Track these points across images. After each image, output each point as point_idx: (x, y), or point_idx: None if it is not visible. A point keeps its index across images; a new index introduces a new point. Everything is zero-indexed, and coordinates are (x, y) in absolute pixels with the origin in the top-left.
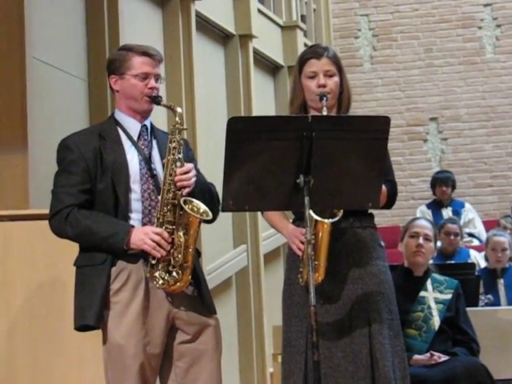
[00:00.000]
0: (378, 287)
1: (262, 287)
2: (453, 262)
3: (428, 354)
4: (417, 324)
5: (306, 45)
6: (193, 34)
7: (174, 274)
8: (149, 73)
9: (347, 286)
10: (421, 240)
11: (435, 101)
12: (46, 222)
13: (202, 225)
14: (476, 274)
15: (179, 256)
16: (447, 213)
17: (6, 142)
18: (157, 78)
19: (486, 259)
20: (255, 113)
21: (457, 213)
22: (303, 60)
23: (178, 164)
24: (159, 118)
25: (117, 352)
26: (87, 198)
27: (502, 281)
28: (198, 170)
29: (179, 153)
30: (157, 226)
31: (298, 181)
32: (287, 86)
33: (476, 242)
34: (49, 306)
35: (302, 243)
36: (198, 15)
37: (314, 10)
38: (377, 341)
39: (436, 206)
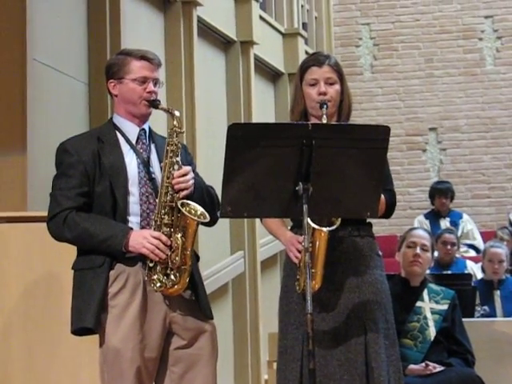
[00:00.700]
0: (374, 296)
1: (259, 294)
2: (449, 272)
3: (423, 364)
4: (412, 334)
5: (307, 52)
6: (194, 40)
7: (172, 276)
8: (147, 77)
9: (344, 294)
10: (418, 250)
11: (435, 111)
12: (44, 224)
13: (200, 230)
14: (472, 285)
15: (177, 258)
16: (445, 223)
17: (5, 143)
18: (155, 82)
19: (483, 270)
20: (255, 119)
21: (455, 223)
22: (305, 67)
23: (176, 167)
24: (159, 122)
25: (113, 355)
26: (85, 200)
27: (498, 292)
28: (196, 174)
29: (177, 156)
30: (154, 228)
31: (297, 188)
32: (287, 93)
33: (473, 253)
34: (45, 308)
35: (299, 251)
36: (200, 21)
37: (316, 17)
38: (372, 350)
39: (434, 217)
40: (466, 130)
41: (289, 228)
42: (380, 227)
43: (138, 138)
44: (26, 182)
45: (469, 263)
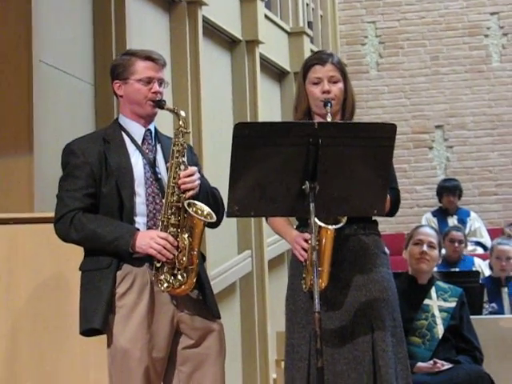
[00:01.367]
0: (381, 294)
1: (266, 293)
2: (457, 269)
3: (431, 362)
4: (421, 332)
5: (312, 51)
6: (199, 40)
7: (179, 276)
8: (152, 77)
9: (351, 292)
10: (425, 247)
11: (441, 108)
12: (51, 225)
13: (207, 230)
14: (480, 282)
15: (184, 259)
16: (453, 221)
17: (11, 144)
18: (160, 82)
19: (491, 267)
20: (261, 119)
21: (462, 221)
22: (308, 66)
23: (182, 167)
24: (165, 122)
25: (122, 356)
26: (92, 201)
27: (506, 289)
28: (202, 175)
29: (183, 156)
30: (161, 229)
31: (303, 187)
32: (293, 92)
33: (480, 251)
34: (53, 309)
35: (305, 250)
36: (205, 20)
37: (321, 16)
38: (380, 348)
39: (442, 214)
40: (472, 127)
41: (294, 227)
42: (387, 225)
43: (143, 139)
44: (33, 183)
45: (476, 260)
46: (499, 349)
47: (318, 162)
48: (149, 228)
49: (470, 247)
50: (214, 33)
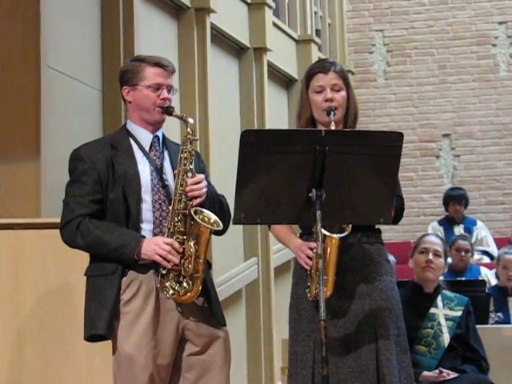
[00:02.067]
0: (385, 303)
1: (272, 300)
2: (463, 278)
3: (437, 371)
4: (426, 341)
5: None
6: (207, 46)
7: (185, 284)
8: (161, 83)
9: (354, 301)
10: (430, 256)
11: (448, 117)
12: (57, 230)
13: (213, 237)
14: (486, 291)
15: (189, 266)
16: (459, 230)
17: (19, 150)
18: (169, 88)
19: (497, 277)
20: (268, 126)
21: (469, 230)
22: (310, 74)
23: (189, 174)
24: (173, 129)
25: (127, 362)
26: (98, 207)
27: None
28: (208, 182)
29: (190, 163)
30: (167, 236)
31: (310, 195)
32: None
33: (487, 260)
34: (58, 314)
35: (310, 258)
36: (213, 27)
37: (329, 24)
38: (384, 357)
39: (448, 223)
40: (479, 136)
41: (298, 235)
42: (393, 234)
43: (151, 145)
44: (40, 188)
45: (483, 269)
46: (505, 358)
47: (325, 170)
48: (155, 235)
49: (477, 256)
50: (222, 40)
